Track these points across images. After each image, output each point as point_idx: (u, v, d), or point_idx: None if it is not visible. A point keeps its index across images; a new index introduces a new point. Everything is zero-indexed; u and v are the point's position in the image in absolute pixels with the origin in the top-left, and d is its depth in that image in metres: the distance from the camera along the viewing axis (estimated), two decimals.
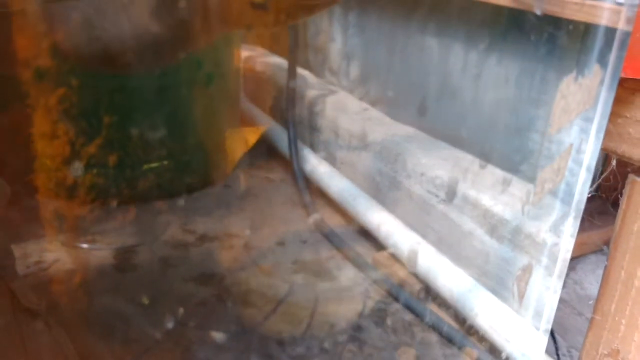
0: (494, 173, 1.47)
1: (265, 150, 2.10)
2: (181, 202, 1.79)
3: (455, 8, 1.65)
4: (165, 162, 1.78)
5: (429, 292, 1.42)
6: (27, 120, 1.54)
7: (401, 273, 1.48)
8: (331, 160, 1.91)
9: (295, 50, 1.93)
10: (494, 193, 1.37)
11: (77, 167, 1.58)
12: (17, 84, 1.43)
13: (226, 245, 1.60)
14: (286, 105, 1.91)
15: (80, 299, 1.32)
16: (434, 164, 1.54)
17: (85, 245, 1.56)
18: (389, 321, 1.34)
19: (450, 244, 1.45)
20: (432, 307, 1.39)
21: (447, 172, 1.49)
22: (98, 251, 1.53)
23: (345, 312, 1.37)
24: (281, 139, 2.04)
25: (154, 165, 1.76)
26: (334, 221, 1.75)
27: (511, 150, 1.49)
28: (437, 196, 1.50)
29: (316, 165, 1.86)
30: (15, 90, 1.48)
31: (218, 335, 1.24)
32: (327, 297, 1.42)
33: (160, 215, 1.71)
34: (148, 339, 1.21)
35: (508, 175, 1.44)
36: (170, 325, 1.23)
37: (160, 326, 1.24)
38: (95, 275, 1.44)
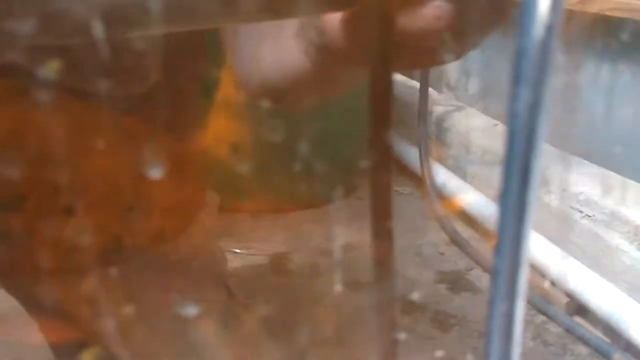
0: None
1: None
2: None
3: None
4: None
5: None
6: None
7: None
8: (460, 174, 1.97)
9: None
10: None
11: None
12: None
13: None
14: (417, 121, 1.99)
15: None
16: (575, 180, 1.57)
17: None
18: None
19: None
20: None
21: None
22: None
23: None
24: (407, 153, 2.11)
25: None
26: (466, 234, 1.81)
27: None
28: (580, 212, 1.52)
29: (448, 179, 1.92)
30: None
31: None
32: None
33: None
34: None
35: None
36: None
37: None
38: None
